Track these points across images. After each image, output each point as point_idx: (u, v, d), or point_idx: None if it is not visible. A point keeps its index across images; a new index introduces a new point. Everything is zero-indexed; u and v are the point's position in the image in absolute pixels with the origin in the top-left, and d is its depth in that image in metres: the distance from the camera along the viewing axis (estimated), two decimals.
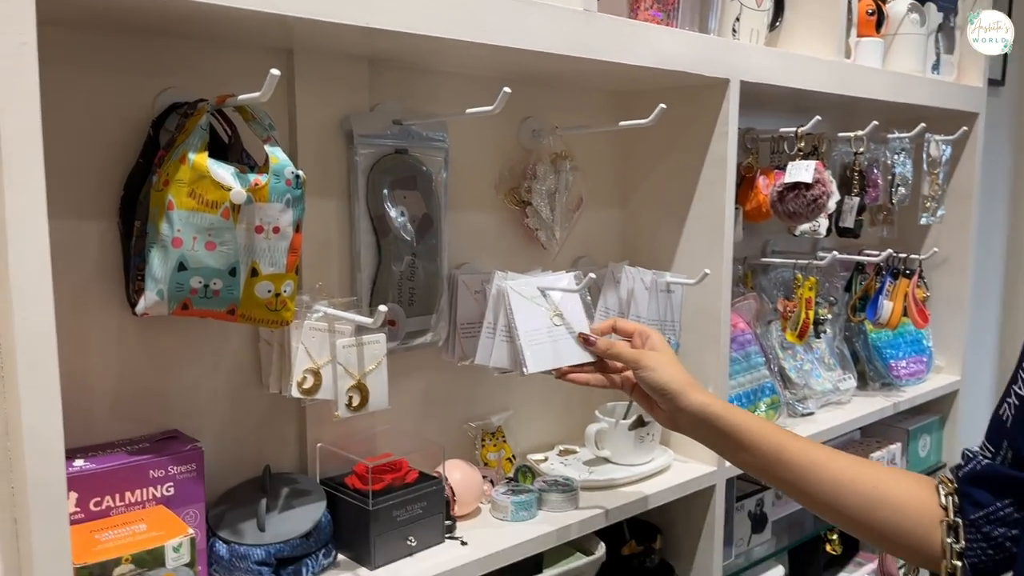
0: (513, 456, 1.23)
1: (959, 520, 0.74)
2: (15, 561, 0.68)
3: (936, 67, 1.70)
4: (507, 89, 0.90)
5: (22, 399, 0.63)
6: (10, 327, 0.62)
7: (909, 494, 0.79)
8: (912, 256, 1.60)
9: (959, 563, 0.73)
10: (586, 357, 1.03)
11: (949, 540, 0.73)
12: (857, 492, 0.81)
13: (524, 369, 1.01)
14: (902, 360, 1.73)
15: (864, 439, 1.74)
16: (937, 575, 0.74)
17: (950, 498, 0.76)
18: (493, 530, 1.05)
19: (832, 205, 1.41)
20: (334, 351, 0.88)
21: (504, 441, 1.22)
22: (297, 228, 0.81)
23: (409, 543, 0.96)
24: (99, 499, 0.79)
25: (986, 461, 0.74)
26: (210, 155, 0.78)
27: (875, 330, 1.71)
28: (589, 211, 1.30)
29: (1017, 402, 0.70)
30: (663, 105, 1.07)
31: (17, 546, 0.68)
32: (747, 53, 1.23)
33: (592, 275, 1.06)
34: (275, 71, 0.72)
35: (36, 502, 0.64)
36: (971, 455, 0.76)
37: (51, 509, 0.65)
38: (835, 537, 1.72)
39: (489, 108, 0.92)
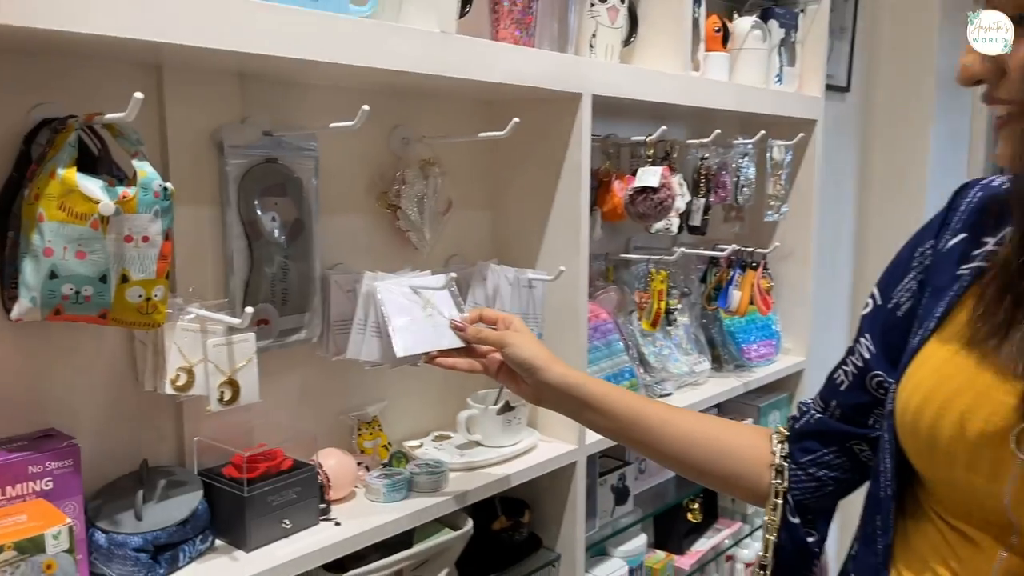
0: (389, 443, 1.31)
1: (784, 464, 0.87)
2: None
3: (779, 78, 1.87)
4: (366, 107, 0.98)
5: None
6: None
7: (747, 443, 0.92)
8: (758, 250, 1.77)
9: (780, 500, 0.87)
10: (456, 342, 1.11)
11: (776, 481, 0.87)
12: (703, 445, 0.92)
13: (394, 351, 1.09)
14: (753, 344, 1.90)
15: (720, 415, 1.91)
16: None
17: (780, 445, 0.89)
18: (366, 511, 1.13)
19: (681, 205, 1.56)
20: (206, 350, 0.94)
21: (380, 429, 1.31)
22: (166, 236, 0.87)
23: (284, 526, 1.04)
24: None
25: (818, 416, 0.87)
26: (81, 168, 0.83)
27: (729, 317, 1.87)
28: (459, 213, 1.40)
29: (854, 370, 0.83)
30: (516, 120, 1.17)
31: None
32: (598, 69, 1.34)
33: (454, 275, 1.15)
34: (138, 95, 0.78)
35: None
36: (805, 408, 0.89)
37: None
38: (696, 507, 1.88)
39: (351, 123, 1.00)
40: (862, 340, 0.83)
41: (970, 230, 0.75)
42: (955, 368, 0.68)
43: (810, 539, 0.87)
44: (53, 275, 0.81)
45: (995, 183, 0.76)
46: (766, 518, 0.88)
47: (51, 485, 0.89)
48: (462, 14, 1.24)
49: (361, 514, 1.12)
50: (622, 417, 0.97)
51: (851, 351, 0.85)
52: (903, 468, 0.74)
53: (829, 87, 2.40)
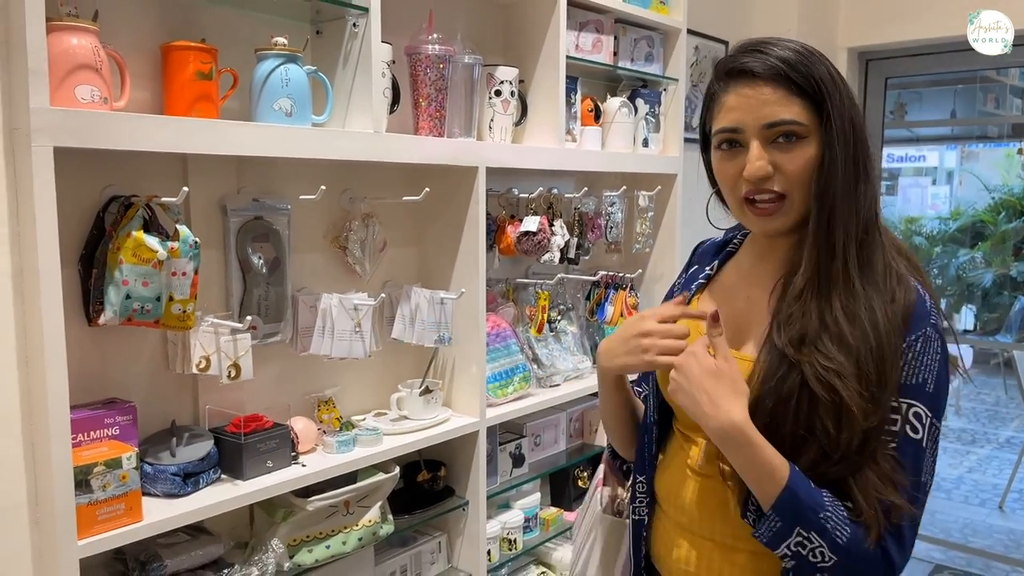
0: (340, 416, 1.82)
1: None
2: (44, 466, 1.22)
3: (646, 143, 2.43)
4: (323, 187, 1.50)
5: (47, 372, 1.17)
6: (40, 332, 1.17)
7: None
8: (626, 275, 2.32)
9: None
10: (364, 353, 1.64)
11: None
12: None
13: (358, 351, 1.61)
14: None
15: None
16: None
17: None
18: (323, 459, 1.64)
19: (561, 243, 2.10)
20: (218, 344, 1.45)
21: (334, 406, 1.81)
22: (196, 272, 1.38)
23: (268, 465, 1.54)
24: (75, 435, 1.33)
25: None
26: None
27: (610, 326, 2.42)
28: (393, 249, 1.92)
29: None
30: (427, 189, 1.70)
31: (39, 458, 1.21)
32: (491, 148, 1.88)
33: (383, 296, 1.68)
34: (185, 188, 1.29)
35: (54, 434, 1.19)
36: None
37: (61, 437, 1.20)
38: (585, 474, 2.41)
39: (313, 196, 1.52)
40: None
41: (699, 263, 1.29)
42: None
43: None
44: (128, 297, 1.31)
45: (716, 239, 1.30)
46: None
47: (118, 432, 1.38)
48: (392, 110, 1.77)
49: (320, 460, 1.63)
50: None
51: None
52: (662, 400, 1.25)
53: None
